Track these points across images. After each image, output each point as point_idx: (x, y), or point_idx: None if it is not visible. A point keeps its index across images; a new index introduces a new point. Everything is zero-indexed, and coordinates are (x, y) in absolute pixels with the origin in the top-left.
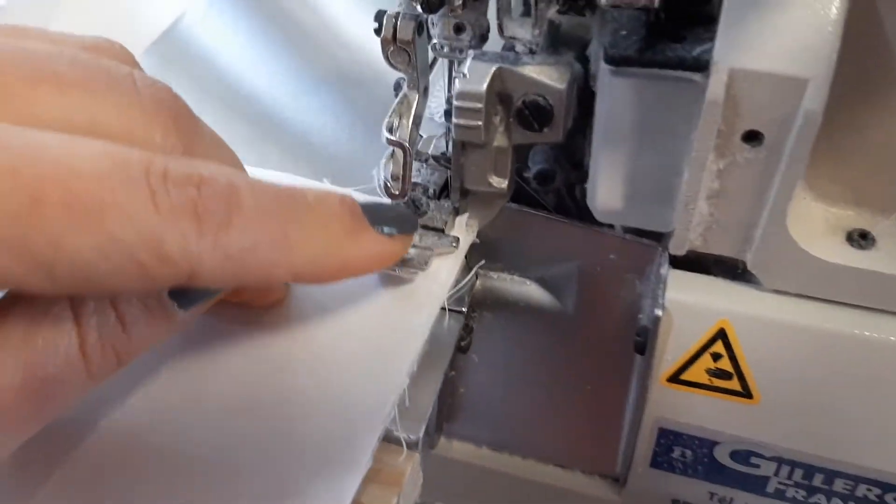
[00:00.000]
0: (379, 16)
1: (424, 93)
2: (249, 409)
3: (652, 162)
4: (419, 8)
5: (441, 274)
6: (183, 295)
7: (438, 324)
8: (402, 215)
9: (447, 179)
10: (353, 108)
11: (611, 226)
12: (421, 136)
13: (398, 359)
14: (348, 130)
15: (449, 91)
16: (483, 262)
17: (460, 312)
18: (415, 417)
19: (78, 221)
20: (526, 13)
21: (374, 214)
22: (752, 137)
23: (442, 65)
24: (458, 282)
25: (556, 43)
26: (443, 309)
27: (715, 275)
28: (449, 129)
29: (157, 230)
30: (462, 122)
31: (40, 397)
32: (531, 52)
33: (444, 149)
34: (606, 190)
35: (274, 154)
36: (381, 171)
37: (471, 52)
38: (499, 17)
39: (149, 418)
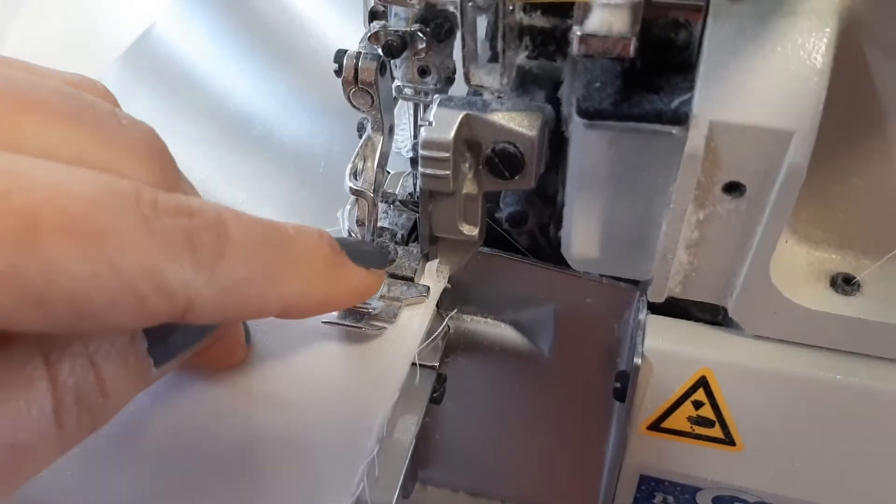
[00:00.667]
0: (339, 56)
1: (390, 132)
2: (211, 473)
3: (628, 213)
4: (380, 52)
5: (411, 326)
6: (160, 349)
7: (409, 381)
8: (374, 251)
9: (415, 222)
10: (342, 118)
11: None
12: (388, 173)
13: (366, 425)
14: (340, 141)
15: (414, 136)
16: (455, 311)
17: (432, 368)
18: (385, 486)
19: (75, 247)
20: (493, 59)
21: (349, 249)
22: (733, 189)
23: (405, 104)
24: (430, 332)
25: (525, 83)
26: (414, 364)
27: (695, 317)
28: (415, 174)
29: (156, 259)
30: (429, 171)
31: (6, 469)
32: (500, 98)
33: (412, 189)
34: (581, 239)
35: (265, 168)
36: (345, 217)
37: (436, 98)
38: (465, 65)
39: (105, 474)
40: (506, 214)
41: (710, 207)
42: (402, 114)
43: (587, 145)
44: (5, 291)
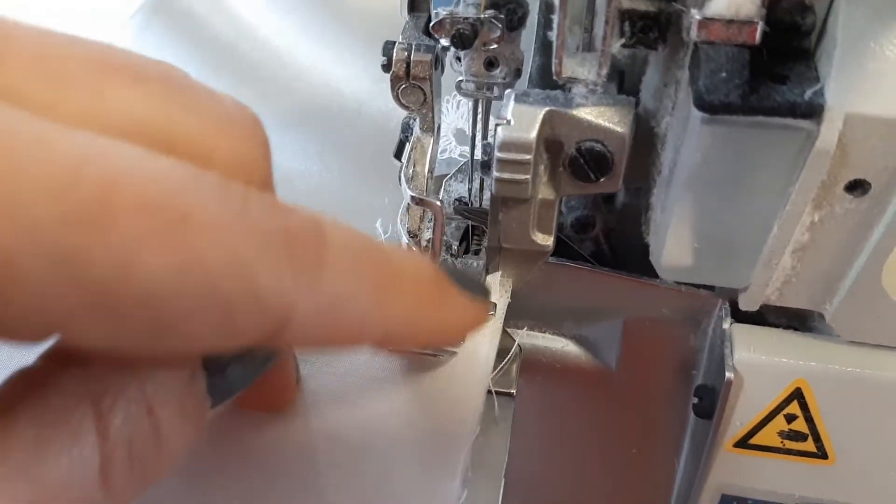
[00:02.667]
0: (388, 48)
1: (437, 133)
2: None
3: (737, 216)
4: (446, 43)
5: (481, 350)
6: (218, 386)
7: (487, 411)
8: (476, 278)
9: (467, 231)
10: (335, 147)
11: (657, 274)
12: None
13: (448, 465)
14: (337, 172)
15: (483, 136)
16: (525, 328)
17: (510, 395)
18: None
19: (156, 233)
20: (588, 48)
21: (453, 275)
22: (856, 187)
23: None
24: (499, 353)
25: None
26: (489, 392)
27: (770, 323)
28: (481, 179)
29: (249, 258)
30: (506, 175)
31: None
32: (593, 91)
33: (459, 195)
34: (676, 245)
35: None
36: (400, 226)
37: (509, 93)
38: (556, 55)
39: None
40: (571, 220)
41: (828, 208)
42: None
43: (703, 142)
44: (67, 285)
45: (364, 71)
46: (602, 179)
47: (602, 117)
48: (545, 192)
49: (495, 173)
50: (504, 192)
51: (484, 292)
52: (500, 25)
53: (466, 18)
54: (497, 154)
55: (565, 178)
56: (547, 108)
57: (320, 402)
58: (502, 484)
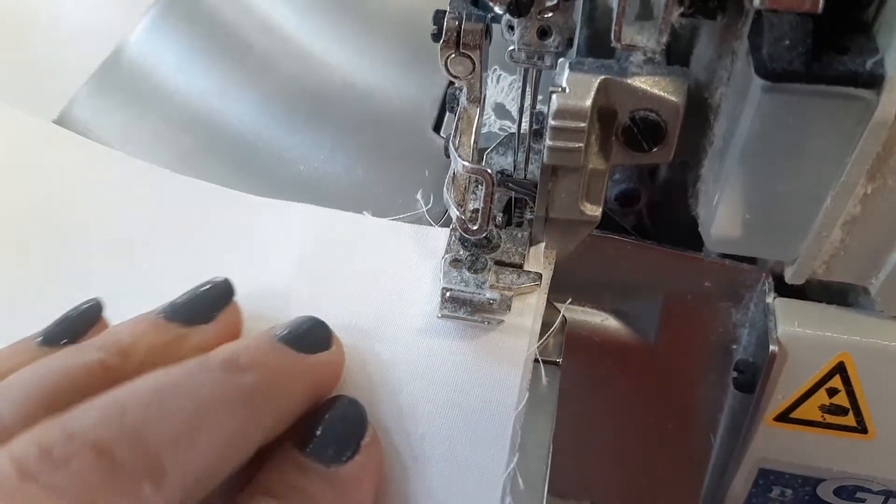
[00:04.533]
0: (438, 17)
1: (483, 104)
2: None
3: (791, 186)
4: (501, 11)
5: (526, 319)
6: None
7: (533, 380)
8: (316, 333)
9: (510, 202)
10: (350, 136)
11: (699, 248)
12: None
13: (499, 433)
14: (342, 159)
15: (533, 106)
16: (570, 300)
17: (555, 364)
18: (530, 499)
19: None
20: (644, 16)
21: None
22: None
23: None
24: (544, 323)
25: None
26: (536, 361)
27: (811, 298)
28: (527, 151)
29: None
30: (559, 144)
31: None
32: (650, 60)
33: (504, 167)
34: (728, 217)
35: (265, 193)
36: (447, 196)
37: (563, 62)
38: (616, 22)
39: None
40: (616, 193)
41: (881, 180)
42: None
43: (763, 110)
44: None
45: (389, 58)
46: (655, 149)
47: (657, 87)
48: (596, 161)
49: (548, 141)
50: (556, 160)
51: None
52: None
53: None
54: (551, 122)
55: (617, 148)
56: (602, 77)
57: (370, 372)
58: (550, 453)
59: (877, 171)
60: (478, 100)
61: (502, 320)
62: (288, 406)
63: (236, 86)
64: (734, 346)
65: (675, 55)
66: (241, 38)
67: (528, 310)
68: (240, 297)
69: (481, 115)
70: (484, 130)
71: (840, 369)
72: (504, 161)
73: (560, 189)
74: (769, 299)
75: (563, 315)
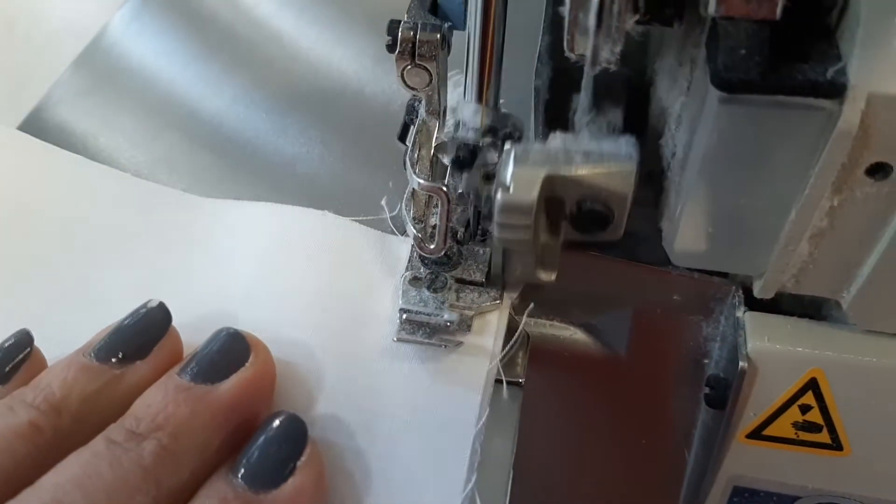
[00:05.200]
0: (392, 27)
1: (443, 115)
2: None
3: (753, 200)
4: (447, 163)
5: (486, 339)
6: None
7: (495, 400)
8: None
9: (473, 217)
10: (335, 129)
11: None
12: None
13: (457, 452)
14: (340, 155)
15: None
16: (534, 316)
17: (517, 384)
18: None
19: None
20: (599, 25)
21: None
22: (878, 170)
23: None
24: (506, 341)
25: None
26: (498, 380)
27: (786, 311)
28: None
29: None
30: (507, 235)
31: None
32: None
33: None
34: (691, 231)
35: (255, 188)
36: (409, 214)
37: (507, 152)
38: (569, 32)
39: None
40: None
41: (847, 192)
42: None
43: (720, 122)
44: None
45: (365, 51)
46: (604, 231)
47: (602, 179)
48: (547, 238)
49: (496, 234)
50: (506, 244)
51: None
52: (496, 151)
53: (466, 144)
54: (497, 218)
55: (567, 228)
56: (546, 172)
57: (324, 388)
58: (511, 473)
59: (843, 183)
60: (437, 112)
61: (461, 342)
62: (207, 444)
63: (215, 74)
64: (706, 361)
65: (634, 61)
66: (220, 26)
67: (489, 329)
68: (200, 301)
69: (441, 127)
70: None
71: (812, 385)
72: (469, 172)
73: (514, 261)
74: (739, 313)
75: (527, 333)
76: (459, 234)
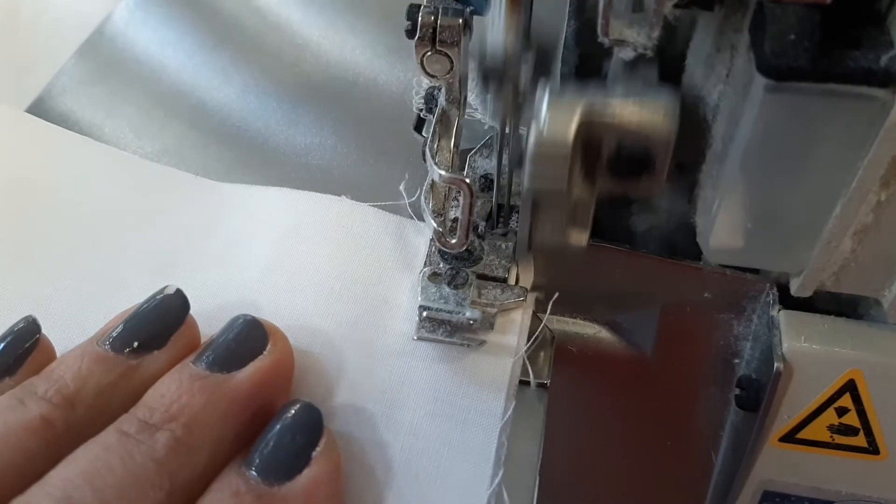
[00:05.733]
0: (412, 12)
1: (464, 105)
2: None
3: (797, 194)
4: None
5: (510, 338)
6: None
7: (520, 401)
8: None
9: (492, 209)
10: (349, 120)
11: (697, 258)
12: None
13: (483, 449)
14: (354, 146)
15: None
16: (556, 314)
17: (543, 386)
18: None
19: None
20: (638, 7)
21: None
22: None
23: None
24: (529, 339)
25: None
26: (522, 380)
27: (821, 310)
28: (501, 147)
29: None
30: (539, 181)
31: None
32: (641, 55)
33: (488, 170)
34: (728, 227)
35: (266, 180)
36: (424, 205)
37: (543, 86)
38: (603, 16)
39: None
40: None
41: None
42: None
43: (766, 111)
44: None
45: (379, 39)
46: (643, 180)
47: (643, 117)
48: (581, 188)
49: (527, 180)
50: (538, 194)
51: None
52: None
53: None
54: (530, 161)
55: (604, 177)
56: (583, 108)
57: (344, 379)
58: (537, 476)
59: (891, 177)
60: (457, 101)
61: (484, 341)
62: (222, 436)
63: (223, 64)
64: (736, 361)
65: (670, 49)
66: (227, 14)
67: (513, 327)
68: (215, 287)
69: (462, 117)
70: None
71: (850, 387)
72: (488, 164)
73: (544, 215)
74: (773, 312)
75: (551, 332)
76: (481, 228)
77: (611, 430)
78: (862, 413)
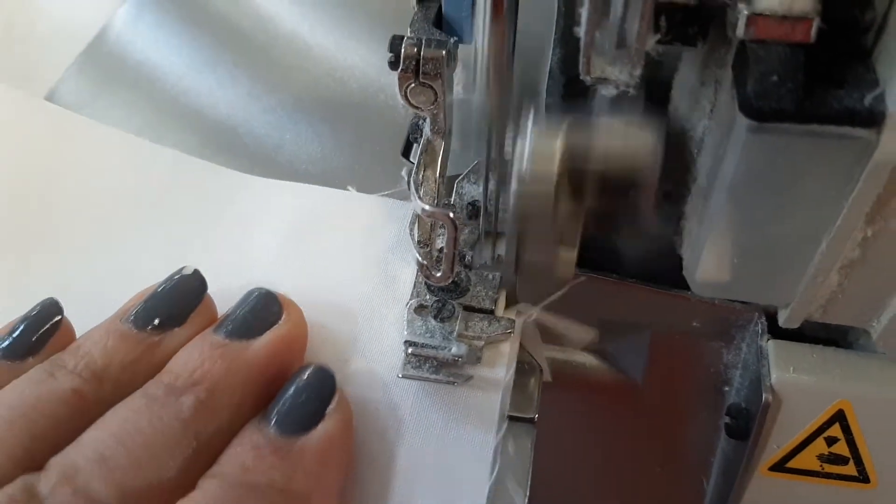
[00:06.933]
0: (395, 44)
1: (449, 134)
2: None
3: (780, 230)
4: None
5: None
6: None
7: (508, 439)
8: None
9: (480, 236)
10: (348, 129)
11: (685, 286)
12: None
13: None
14: (355, 152)
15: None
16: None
17: (531, 421)
18: None
19: None
20: (621, 44)
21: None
22: None
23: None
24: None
25: None
26: (510, 417)
27: (811, 337)
28: (487, 175)
29: None
30: (526, 208)
31: None
32: (622, 92)
33: (475, 197)
34: (714, 261)
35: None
36: (409, 236)
37: (527, 116)
38: (584, 53)
39: None
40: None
41: (881, 223)
42: None
43: (749, 151)
44: None
45: (382, 45)
46: (630, 199)
47: (626, 141)
48: (569, 205)
49: (512, 214)
50: (524, 221)
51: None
52: None
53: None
54: (514, 195)
55: (591, 195)
56: (566, 140)
57: (357, 347)
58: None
59: (877, 214)
60: (442, 131)
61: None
62: (242, 399)
63: (222, 74)
64: (726, 388)
65: (655, 81)
66: (225, 23)
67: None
68: (228, 271)
69: (447, 147)
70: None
71: (839, 417)
72: (476, 190)
73: (531, 235)
74: (762, 341)
75: (539, 366)
76: (467, 258)
77: (600, 457)
78: (851, 443)
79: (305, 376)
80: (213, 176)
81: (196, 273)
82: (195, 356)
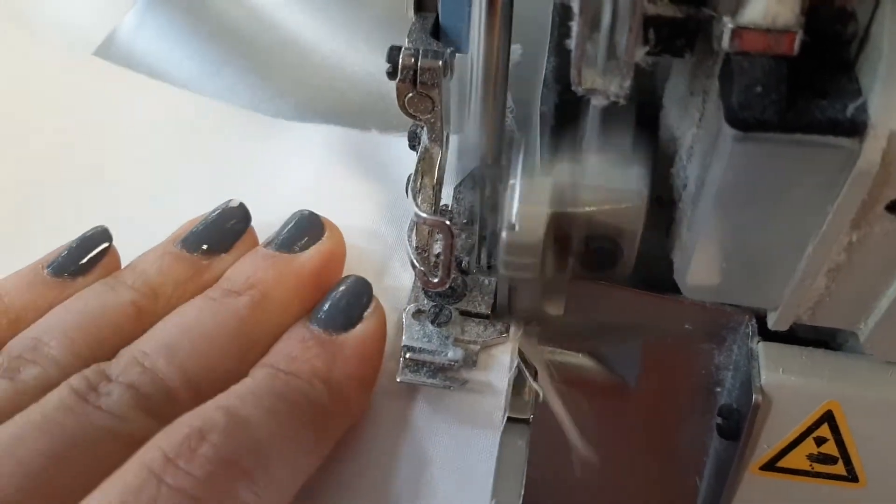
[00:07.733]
0: (392, 54)
1: (446, 143)
2: None
3: (767, 236)
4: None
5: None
6: None
7: (503, 440)
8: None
9: (478, 243)
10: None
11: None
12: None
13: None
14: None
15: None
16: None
17: (526, 422)
18: None
19: None
20: (612, 56)
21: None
22: None
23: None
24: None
25: None
26: (508, 418)
27: (801, 338)
28: (483, 183)
29: None
30: (513, 273)
31: None
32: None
33: (473, 202)
34: (704, 265)
35: None
36: (407, 242)
37: (514, 185)
38: (575, 66)
39: None
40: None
41: (866, 228)
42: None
43: (735, 160)
44: None
45: (378, 61)
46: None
47: (611, 216)
48: (553, 272)
49: (501, 270)
50: (511, 282)
51: (319, 234)
52: None
53: None
54: (503, 256)
55: (574, 264)
56: (552, 210)
57: (391, 266)
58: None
59: (862, 220)
60: (440, 140)
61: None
62: (289, 304)
63: (224, 75)
64: (718, 390)
65: (649, 87)
66: (232, 30)
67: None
68: (262, 206)
69: (445, 155)
70: None
71: (828, 418)
72: (475, 196)
73: (520, 292)
74: (753, 343)
75: (535, 368)
76: (464, 264)
77: (596, 457)
78: (840, 443)
79: (346, 284)
80: (249, 121)
81: (241, 206)
82: (249, 265)
